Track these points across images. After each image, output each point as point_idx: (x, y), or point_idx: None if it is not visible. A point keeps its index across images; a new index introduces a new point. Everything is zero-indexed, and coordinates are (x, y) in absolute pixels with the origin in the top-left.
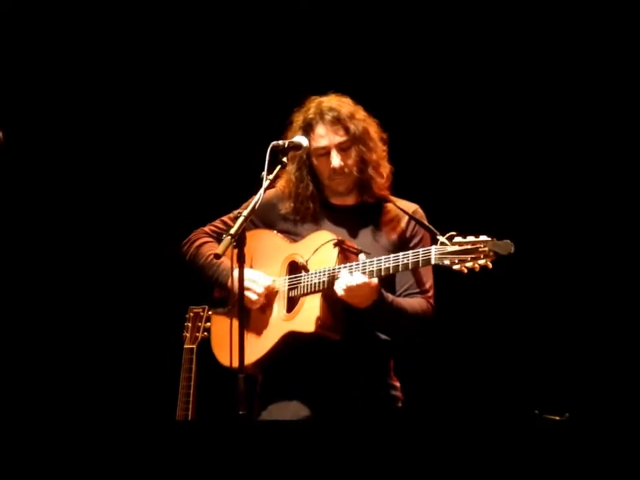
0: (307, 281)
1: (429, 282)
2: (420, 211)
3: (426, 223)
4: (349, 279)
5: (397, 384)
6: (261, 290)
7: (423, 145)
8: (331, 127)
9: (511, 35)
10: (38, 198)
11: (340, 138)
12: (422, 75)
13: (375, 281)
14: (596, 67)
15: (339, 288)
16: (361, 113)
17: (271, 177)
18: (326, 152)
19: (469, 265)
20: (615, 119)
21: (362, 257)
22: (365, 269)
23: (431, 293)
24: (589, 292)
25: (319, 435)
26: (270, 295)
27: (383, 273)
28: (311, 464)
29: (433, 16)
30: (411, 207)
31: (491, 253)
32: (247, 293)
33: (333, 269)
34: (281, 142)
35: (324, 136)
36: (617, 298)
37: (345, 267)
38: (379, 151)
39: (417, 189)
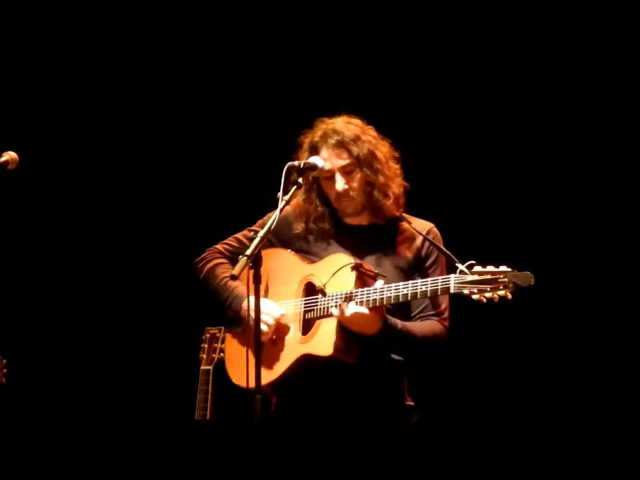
0: (324, 304)
1: (444, 304)
2: (435, 230)
3: (442, 246)
4: (344, 311)
5: (412, 404)
6: (271, 322)
7: (438, 164)
8: (333, 151)
9: (533, 50)
10: (60, 216)
11: (343, 161)
12: (428, 79)
13: (365, 311)
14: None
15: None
16: (368, 135)
17: (286, 197)
18: (331, 175)
19: (488, 295)
20: (613, 119)
21: (379, 282)
22: (383, 295)
23: (446, 315)
24: (589, 292)
25: (332, 443)
26: (282, 323)
27: (401, 300)
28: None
29: (444, 16)
30: (425, 226)
31: (511, 285)
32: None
33: (350, 293)
34: (296, 162)
35: (327, 159)
36: (617, 298)
37: (363, 292)
38: (388, 172)
39: (432, 208)
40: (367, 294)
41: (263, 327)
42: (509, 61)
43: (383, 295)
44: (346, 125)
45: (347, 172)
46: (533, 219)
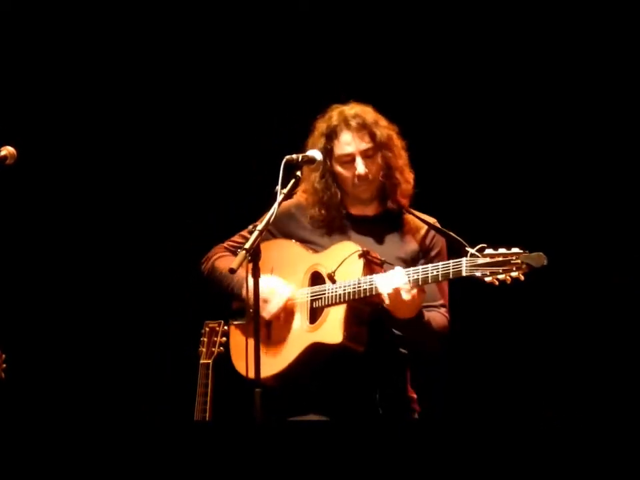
0: (332, 292)
1: (445, 295)
2: (438, 225)
3: (452, 233)
4: (396, 279)
5: (414, 396)
6: (281, 303)
7: (441, 155)
8: (356, 134)
9: (530, 47)
10: (59, 212)
11: (366, 144)
12: (430, 76)
13: (419, 299)
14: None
15: (387, 286)
16: (383, 120)
17: (285, 190)
18: (351, 159)
19: (500, 277)
20: (614, 118)
21: (398, 268)
22: None
23: (447, 307)
24: (589, 292)
25: (335, 438)
26: (290, 306)
27: (411, 285)
28: (323, 469)
29: (442, 16)
30: (429, 220)
31: (524, 266)
32: (266, 304)
33: (359, 280)
34: (294, 156)
35: (349, 142)
36: (617, 298)
37: (372, 278)
38: (404, 157)
39: (434, 201)
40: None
41: (272, 308)
42: (501, 57)
43: None
44: (363, 110)
45: (368, 155)
46: (532, 219)
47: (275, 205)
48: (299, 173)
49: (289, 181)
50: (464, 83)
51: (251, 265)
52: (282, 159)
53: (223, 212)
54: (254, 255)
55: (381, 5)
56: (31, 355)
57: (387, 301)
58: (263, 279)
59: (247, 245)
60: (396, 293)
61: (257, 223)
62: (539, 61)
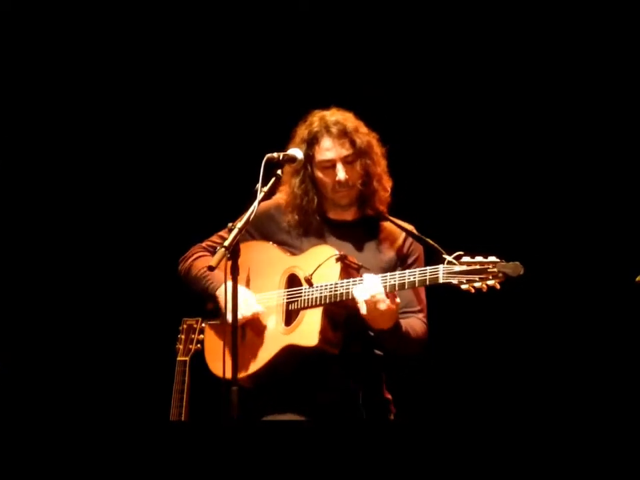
0: (308, 295)
1: (423, 301)
2: (415, 231)
3: (429, 240)
4: (375, 289)
5: (390, 397)
6: (248, 313)
7: (420, 161)
8: (337, 140)
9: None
10: (40, 209)
11: (346, 151)
12: (425, 76)
13: (394, 306)
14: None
15: (364, 294)
16: (364, 127)
17: (265, 189)
18: (331, 165)
19: (477, 285)
20: (612, 121)
21: (374, 277)
22: None
23: (425, 312)
24: (599, 294)
25: (313, 439)
26: (257, 319)
27: (388, 290)
28: (301, 469)
29: (438, 17)
30: (406, 227)
31: (500, 274)
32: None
33: (336, 284)
34: (275, 154)
35: (330, 149)
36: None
37: (349, 282)
38: (382, 165)
39: (412, 207)
40: (354, 285)
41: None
42: (477, 68)
43: None
44: (344, 117)
45: (348, 162)
46: (511, 226)
47: (255, 203)
48: (279, 172)
49: (270, 180)
50: (442, 92)
51: (229, 263)
52: (262, 158)
53: (202, 210)
54: (233, 253)
55: (380, 7)
56: (6, 353)
57: (362, 310)
58: (240, 289)
59: (226, 243)
60: (372, 302)
61: (236, 222)
62: (514, 73)
